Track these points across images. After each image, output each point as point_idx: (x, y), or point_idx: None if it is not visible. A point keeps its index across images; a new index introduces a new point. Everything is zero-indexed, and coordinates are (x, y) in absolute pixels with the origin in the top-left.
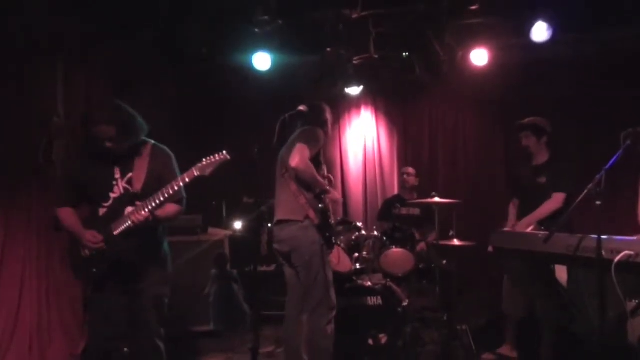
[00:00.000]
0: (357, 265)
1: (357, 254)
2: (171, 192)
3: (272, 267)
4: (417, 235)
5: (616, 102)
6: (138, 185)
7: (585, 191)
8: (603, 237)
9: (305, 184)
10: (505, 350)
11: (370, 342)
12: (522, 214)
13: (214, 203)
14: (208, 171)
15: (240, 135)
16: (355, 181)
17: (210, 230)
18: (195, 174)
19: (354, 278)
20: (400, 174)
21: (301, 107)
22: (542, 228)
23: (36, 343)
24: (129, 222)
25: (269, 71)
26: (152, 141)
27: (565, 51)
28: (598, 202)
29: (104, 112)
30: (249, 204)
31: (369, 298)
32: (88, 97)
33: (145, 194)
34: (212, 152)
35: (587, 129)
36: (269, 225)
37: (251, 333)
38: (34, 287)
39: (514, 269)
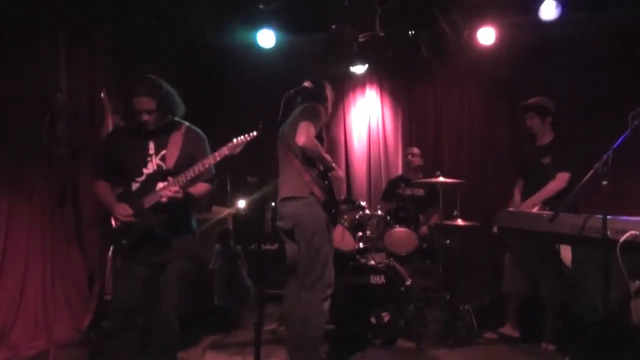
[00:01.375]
0: (361, 245)
1: (360, 233)
2: (202, 169)
3: (276, 246)
4: (420, 218)
5: (624, 82)
6: (171, 162)
7: (592, 171)
8: (608, 216)
9: (310, 160)
10: (507, 329)
11: (373, 320)
12: (526, 195)
13: (216, 181)
14: (237, 150)
15: (244, 114)
16: (359, 161)
17: (214, 208)
18: (226, 152)
19: (358, 257)
20: (405, 154)
21: (306, 83)
22: (547, 208)
23: (41, 318)
24: (160, 197)
25: (273, 49)
26: (187, 123)
27: (574, 30)
28: (604, 182)
29: (147, 84)
30: (253, 183)
31: (372, 277)
32: (90, 75)
33: (177, 171)
34: (216, 131)
35: (593, 109)
36: (273, 204)
37: (255, 310)
38: (39, 263)
39: (518, 249)
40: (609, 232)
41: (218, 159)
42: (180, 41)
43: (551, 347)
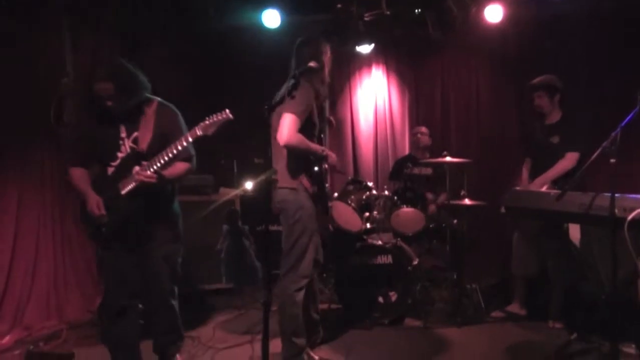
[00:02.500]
0: (368, 225)
1: (367, 214)
2: (175, 152)
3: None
4: (428, 197)
5: (632, 59)
6: (143, 145)
7: (600, 149)
8: (616, 194)
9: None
10: (514, 308)
11: (380, 299)
12: (534, 174)
13: (222, 162)
14: (211, 130)
15: (249, 95)
16: (366, 141)
17: (222, 189)
18: (199, 133)
19: (365, 237)
20: (413, 134)
21: (311, 64)
22: (556, 187)
23: (53, 299)
24: (136, 183)
25: (278, 29)
26: (158, 99)
27: (582, 6)
28: (612, 160)
29: (102, 68)
30: (259, 164)
31: (379, 257)
32: (96, 57)
33: (151, 153)
34: (218, 111)
35: (602, 86)
36: None
37: (262, 290)
38: (50, 246)
39: (526, 228)
40: (616, 210)
41: (191, 140)
42: (185, 23)
43: (558, 325)
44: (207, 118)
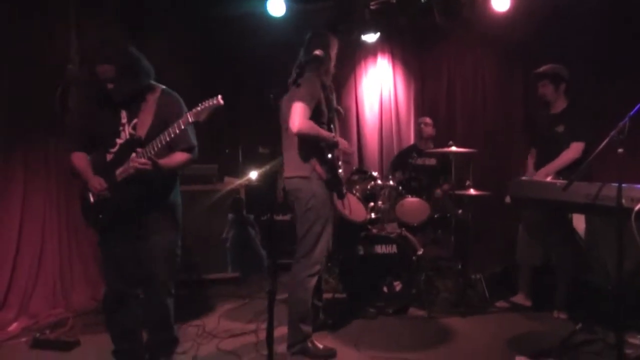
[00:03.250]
0: (373, 215)
1: (372, 204)
2: (168, 139)
3: (288, 216)
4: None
5: None
6: (142, 131)
7: (608, 139)
8: (623, 185)
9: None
10: (519, 298)
11: (385, 289)
12: (539, 164)
13: (227, 151)
14: (202, 117)
15: (254, 83)
16: (370, 131)
17: (227, 179)
18: (190, 120)
19: (369, 227)
20: (417, 124)
21: (317, 52)
22: (560, 178)
23: (59, 287)
24: (129, 169)
25: (284, 18)
26: (162, 86)
27: None
28: (620, 150)
29: (103, 50)
30: (264, 154)
31: (384, 246)
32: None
33: (150, 140)
34: (225, 101)
35: (610, 75)
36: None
37: (268, 279)
38: (55, 233)
39: (531, 218)
40: (623, 201)
41: (183, 126)
42: (190, 10)
43: (563, 315)
44: (199, 104)
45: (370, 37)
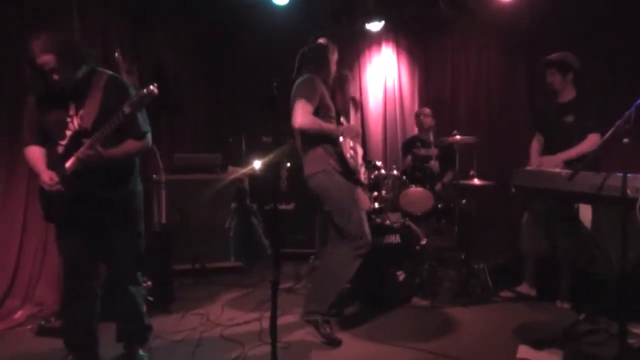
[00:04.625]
0: (376, 204)
1: (376, 193)
2: (112, 127)
3: (292, 206)
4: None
5: None
6: (89, 121)
7: (614, 128)
8: (629, 175)
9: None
10: (523, 288)
11: (388, 279)
12: (546, 152)
13: (230, 140)
14: (138, 107)
15: (258, 73)
16: (374, 120)
17: (230, 168)
18: (126, 110)
19: (373, 217)
20: (417, 115)
21: (321, 40)
22: (568, 167)
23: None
24: (75, 161)
25: (287, 6)
26: (109, 72)
27: None
28: (625, 140)
29: (40, 41)
30: (268, 143)
31: (387, 236)
32: (104, 35)
33: (97, 130)
34: (227, 90)
35: (616, 65)
36: (288, 164)
37: (270, 268)
38: None
39: (536, 208)
40: (628, 191)
41: (121, 118)
42: (193, 1)
43: (566, 305)
44: (135, 95)
45: (375, 26)
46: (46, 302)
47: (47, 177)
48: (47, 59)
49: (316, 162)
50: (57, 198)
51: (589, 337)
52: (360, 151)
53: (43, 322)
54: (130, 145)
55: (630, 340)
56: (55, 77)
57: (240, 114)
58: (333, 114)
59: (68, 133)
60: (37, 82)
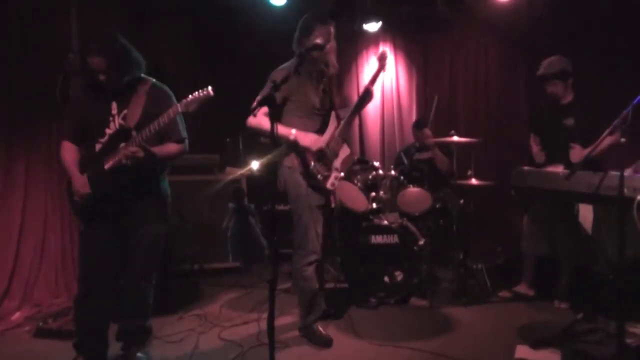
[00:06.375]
0: (374, 205)
1: (373, 194)
2: (157, 127)
3: (289, 207)
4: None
5: None
6: (132, 122)
7: (611, 127)
8: (625, 174)
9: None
10: (521, 288)
11: (386, 279)
12: (547, 156)
13: (228, 140)
14: (192, 107)
15: (256, 73)
16: (372, 121)
17: (228, 169)
18: (180, 109)
19: (371, 217)
20: (416, 136)
21: (318, 40)
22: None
23: (62, 277)
24: (120, 157)
25: (285, 6)
26: (153, 80)
27: None
28: (623, 140)
29: (96, 42)
30: (265, 143)
31: (385, 236)
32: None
33: (139, 132)
34: (225, 90)
35: (614, 64)
36: None
37: (269, 268)
38: (58, 221)
39: (535, 209)
40: (625, 190)
41: (172, 115)
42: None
43: (564, 304)
44: (190, 95)
45: (372, 26)
46: (44, 304)
47: (79, 184)
48: (97, 61)
49: (287, 156)
50: (91, 196)
51: (587, 337)
52: (342, 156)
53: (41, 324)
54: (171, 147)
55: (628, 340)
56: (102, 77)
57: (238, 114)
58: (307, 113)
59: (108, 132)
60: (79, 73)
